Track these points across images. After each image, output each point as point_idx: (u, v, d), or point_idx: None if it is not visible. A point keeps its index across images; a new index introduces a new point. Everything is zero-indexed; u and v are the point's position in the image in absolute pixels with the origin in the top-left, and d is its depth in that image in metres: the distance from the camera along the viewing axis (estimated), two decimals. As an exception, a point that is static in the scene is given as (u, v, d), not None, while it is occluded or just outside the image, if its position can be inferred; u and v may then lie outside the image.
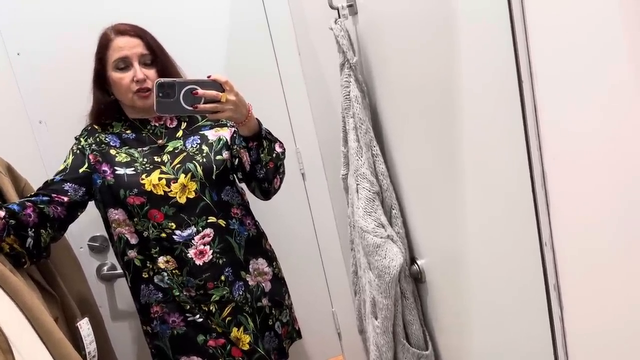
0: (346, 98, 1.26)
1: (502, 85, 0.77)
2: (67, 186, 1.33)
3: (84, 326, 1.32)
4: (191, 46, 1.76)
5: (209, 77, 1.21)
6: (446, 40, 0.90)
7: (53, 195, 1.30)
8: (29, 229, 1.19)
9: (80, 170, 1.36)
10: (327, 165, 1.96)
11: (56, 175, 1.36)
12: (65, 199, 1.31)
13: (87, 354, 1.29)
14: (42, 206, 1.25)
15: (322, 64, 1.73)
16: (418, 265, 1.27)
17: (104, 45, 1.37)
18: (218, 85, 1.20)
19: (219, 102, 1.20)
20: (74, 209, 1.35)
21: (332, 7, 1.26)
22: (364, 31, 1.26)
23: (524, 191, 0.78)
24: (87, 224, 1.67)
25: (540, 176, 0.76)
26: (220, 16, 1.82)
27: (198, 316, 1.40)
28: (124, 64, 1.35)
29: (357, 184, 1.25)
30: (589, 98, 0.65)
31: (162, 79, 1.20)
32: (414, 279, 1.30)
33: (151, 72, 1.36)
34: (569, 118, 0.69)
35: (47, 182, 1.35)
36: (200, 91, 1.18)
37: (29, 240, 1.19)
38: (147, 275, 1.40)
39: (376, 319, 1.28)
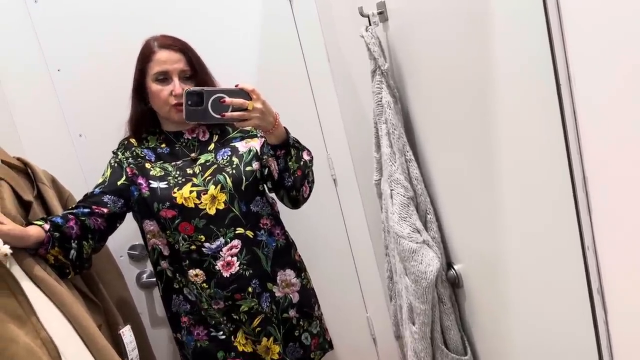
0: (378, 104, 1.26)
1: (540, 87, 0.77)
2: (106, 198, 1.37)
3: (127, 333, 1.36)
4: (222, 55, 1.80)
5: (236, 85, 1.23)
6: (480, 44, 0.90)
7: (93, 207, 1.34)
8: (72, 241, 1.23)
9: (119, 183, 1.40)
10: (359, 170, 1.97)
11: (95, 188, 1.40)
12: (105, 210, 1.35)
13: (129, 359, 1.33)
14: (83, 218, 1.29)
15: (352, 70, 1.74)
16: (455, 270, 1.26)
17: (146, 56, 1.40)
18: (245, 94, 1.22)
19: (246, 110, 1.22)
20: (114, 221, 1.39)
21: (362, 14, 1.26)
22: (395, 37, 1.27)
23: (565, 195, 0.77)
24: (127, 233, 1.71)
25: (581, 179, 0.75)
26: (250, 25, 1.85)
27: (221, 333, 1.44)
28: (164, 77, 1.38)
29: (392, 190, 1.25)
30: (630, 99, 0.64)
31: (191, 88, 1.23)
32: (451, 284, 1.29)
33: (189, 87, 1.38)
34: (609, 119, 0.68)
35: (87, 194, 1.39)
36: (227, 99, 1.21)
37: (72, 251, 1.23)
38: (178, 286, 1.44)
39: (414, 324, 1.27)
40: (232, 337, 1.44)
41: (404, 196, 1.24)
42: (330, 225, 1.99)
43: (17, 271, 0.96)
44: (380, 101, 1.25)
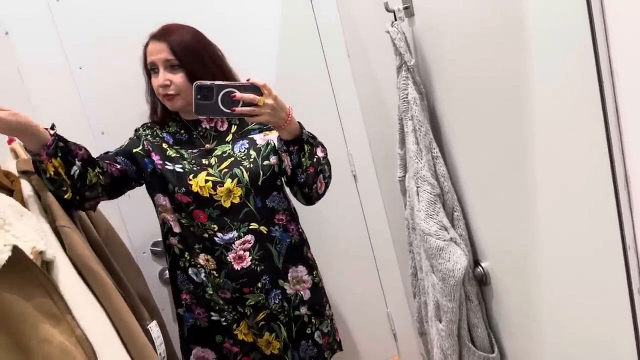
0: (404, 100, 1.25)
1: (580, 84, 0.75)
2: (119, 159, 1.37)
3: (154, 328, 1.36)
4: (242, 51, 1.80)
5: (247, 80, 1.21)
6: (515, 37, 0.89)
7: (107, 160, 1.33)
8: (75, 159, 1.17)
9: (134, 150, 1.40)
10: (379, 166, 1.96)
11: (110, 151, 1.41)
12: (118, 166, 1.34)
13: (158, 354, 1.33)
14: (98, 160, 1.27)
15: (373, 66, 1.72)
16: (482, 268, 1.26)
17: (144, 50, 1.41)
18: (256, 89, 1.20)
19: (257, 106, 1.20)
20: (128, 179, 1.37)
21: (388, 10, 1.25)
22: (421, 32, 1.26)
23: (606, 193, 0.76)
24: (150, 229, 1.73)
25: (624, 179, 0.73)
26: (270, 21, 1.84)
27: (223, 319, 1.44)
28: (154, 68, 1.38)
29: (418, 187, 1.25)
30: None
31: (201, 82, 1.20)
32: (478, 281, 1.28)
33: (177, 77, 1.35)
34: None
35: (101, 154, 1.38)
36: (238, 94, 1.19)
37: (75, 168, 1.16)
38: (183, 265, 1.44)
39: (440, 322, 1.27)
40: (235, 325, 1.45)
41: (430, 193, 1.23)
42: (350, 221, 1.99)
43: (56, 266, 0.96)
44: (407, 97, 1.24)
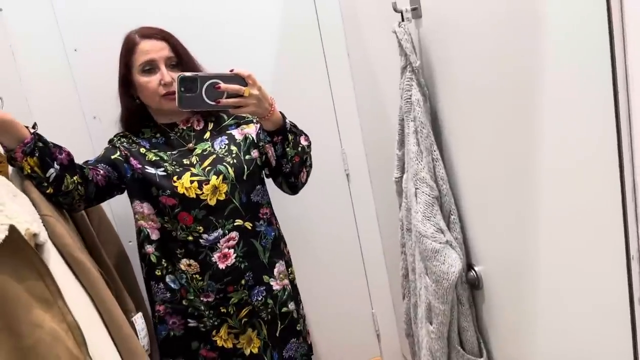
0: (407, 101, 1.25)
1: (594, 91, 0.76)
2: (100, 166, 1.34)
3: (139, 321, 1.34)
4: (241, 46, 1.79)
5: (231, 71, 1.19)
6: (526, 44, 0.89)
7: (90, 166, 1.31)
8: (54, 162, 1.14)
9: (112, 157, 1.38)
10: (372, 167, 1.96)
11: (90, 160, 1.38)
12: (102, 172, 1.32)
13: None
14: (83, 167, 1.25)
15: (373, 66, 1.72)
16: (475, 272, 1.26)
17: (129, 49, 1.37)
18: (241, 79, 1.18)
19: (242, 97, 1.18)
20: (111, 186, 1.35)
21: (396, 10, 1.25)
22: (428, 34, 1.25)
23: (612, 201, 0.76)
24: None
25: (632, 189, 0.74)
26: (271, 17, 1.83)
27: (202, 326, 1.41)
28: (150, 67, 1.35)
29: (416, 188, 1.24)
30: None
31: (184, 73, 1.19)
32: (470, 285, 1.28)
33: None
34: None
35: (82, 163, 1.34)
36: (222, 85, 1.17)
37: (52, 171, 1.13)
38: (159, 273, 1.41)
39: (431, 324, 1.27)
40: (214, 331, 1.42)
41: (429, 195, 1.23)
42: (341, 220, 1.99)
43: (47, 251, 0.94)
44: (410, 98, 1.24)
